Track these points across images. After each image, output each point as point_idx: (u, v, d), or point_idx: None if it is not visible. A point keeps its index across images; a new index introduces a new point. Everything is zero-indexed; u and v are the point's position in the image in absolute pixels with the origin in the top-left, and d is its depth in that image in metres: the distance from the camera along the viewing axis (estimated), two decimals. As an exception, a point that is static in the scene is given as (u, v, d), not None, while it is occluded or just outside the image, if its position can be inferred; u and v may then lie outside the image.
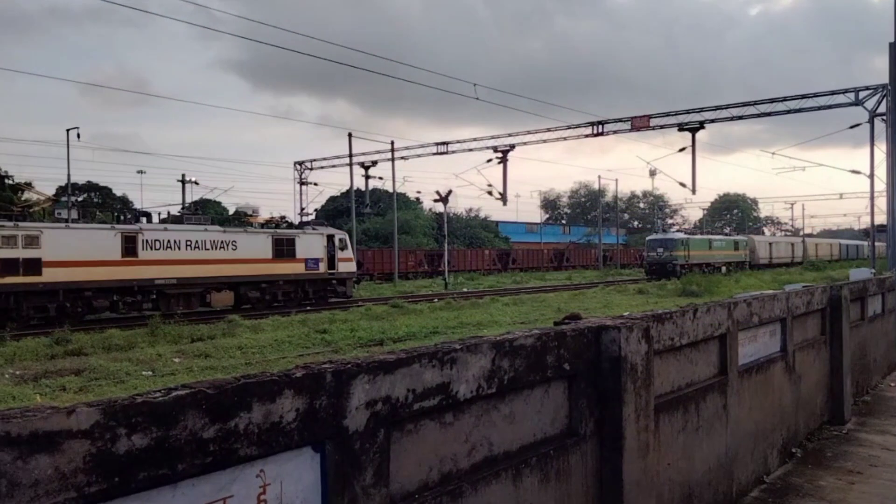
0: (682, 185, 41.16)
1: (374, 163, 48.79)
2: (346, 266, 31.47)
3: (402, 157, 47.62)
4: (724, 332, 5.08)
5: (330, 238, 30.87)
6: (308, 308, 26.97)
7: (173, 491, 1.88)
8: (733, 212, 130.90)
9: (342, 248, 31.20)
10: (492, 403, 2.96)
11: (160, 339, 16.92)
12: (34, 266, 21.43)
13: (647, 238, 57.80)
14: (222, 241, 26.56)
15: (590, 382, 3.47)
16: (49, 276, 21.66)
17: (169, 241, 24.91)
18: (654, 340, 3.90)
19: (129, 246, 23.74)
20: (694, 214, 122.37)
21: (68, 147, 40.75)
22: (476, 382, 2.82)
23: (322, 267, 30.09)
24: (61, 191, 41.66)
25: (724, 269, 56.85)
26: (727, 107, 38.15)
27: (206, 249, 26.00)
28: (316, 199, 57.79)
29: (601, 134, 40.98)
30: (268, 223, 31.33)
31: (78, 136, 40.28)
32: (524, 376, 3.07)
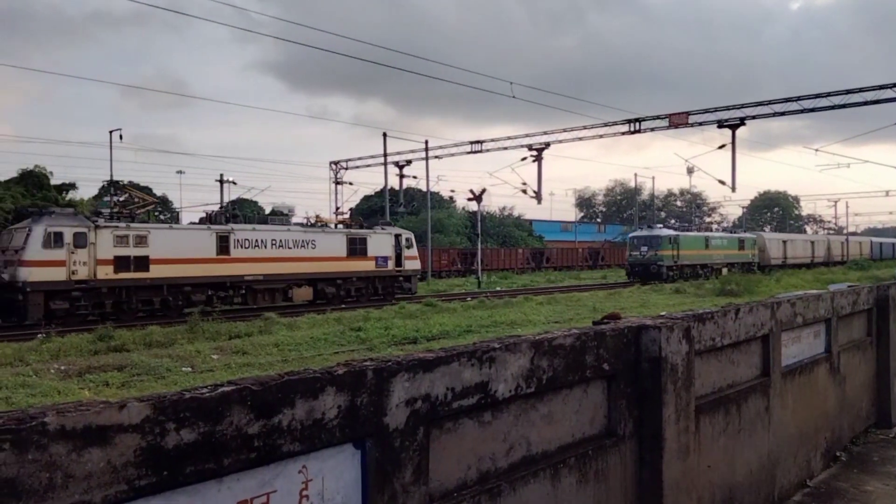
0: (722, 182, 40.53)
1: (409, 162, 48.98)
2: (412, 263, 33.25)
3: (436, 157, 47.73)
4: (766, 332, 4.99)
5: (397, 237, 32.64)
6: (377, 302, 28.83)
7: (219, 485, 1.91)
8: (774, 210, 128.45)
9: (408, 247, 32.95)
10: (530, 403, 2.96)
11: (199, 337, 17.21)
12: (143, 263, 23.44)
13: (630, 235, 50.38)
14: (303, 241, 28.37)
15: (629, 383, 3.44)
16: (155, 272, 23.66)
17: (257, 240, 26.76)
18: (694, 341, 3.85)
19: (223, 245, 25.67)
20: (733, 212, 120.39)
21: (111, 148, 41.75)
22: (515, 382, 2.82)
23: (390, 264, 31.87)
24: (104, 190, 42.61)
25: (724, 270, 49.84)
26: (768, 103, 37.40)
27: (289, 248, 27.77)
28: (350, 199, 58.25)
29: (638, 131, 40.51)
30: (341, 224, 33.17)
31: (120, 137, 41.27)
32: (563, 376, 3.05)
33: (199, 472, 1.84)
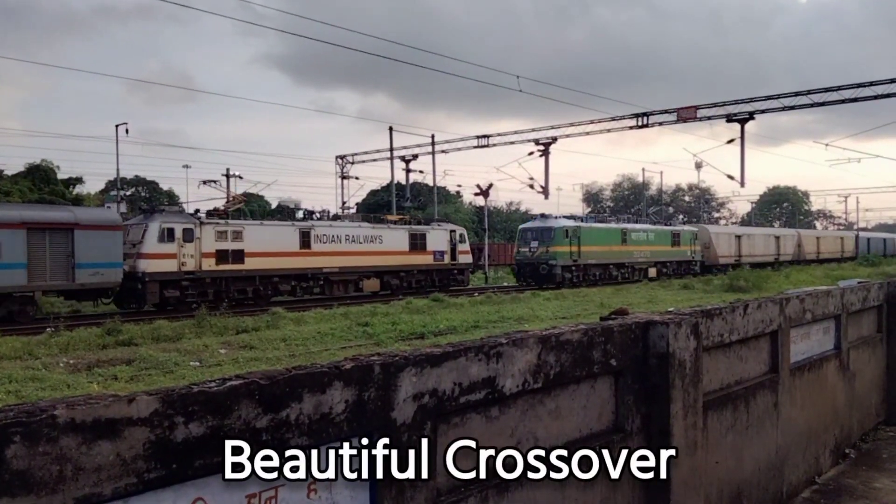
0: (731, 177, 40.39)
1: (415, 156, 48.95)
2: (465, 257, 36.02)
3: (443, 151, 47.66)
4: (775, 328, 4.97)
5: (452, 233, 35.34)
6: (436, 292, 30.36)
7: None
8: (783, 205, 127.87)
9: (461, 242, 35.69)
10: (537, 398, 2.95)
11: (206, 331, 17.26)
12: (239, 256, 26.17)
13: (520, 227, 40.21)
14: (372, 236, 31.02)
15: (637, 378, 3.43)
16: (249, 264, 26.40)
17: (333, 235, 29.52)
18: (702, 336, 3.84)
19: (305, 240, 28.35)
20: (742, 208, 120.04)
21: (117, 142, 41.80)
22: (522, 377, 2.82)
23: (446, 258, 34.59)
24: (110, 185, 42.78)
25: (652, 271, 41.65)
26: (778, 96, 37.19)
27: (360, 243, 30.46)
28: (357, 193, 58.28)
29: (646, 125, 40.36)
30: (401, 221, 35.13)
31: (126, 131, 41.29)
32: (570, 371, 3.05)
33: (208, 466, 1.85)
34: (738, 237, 54.44)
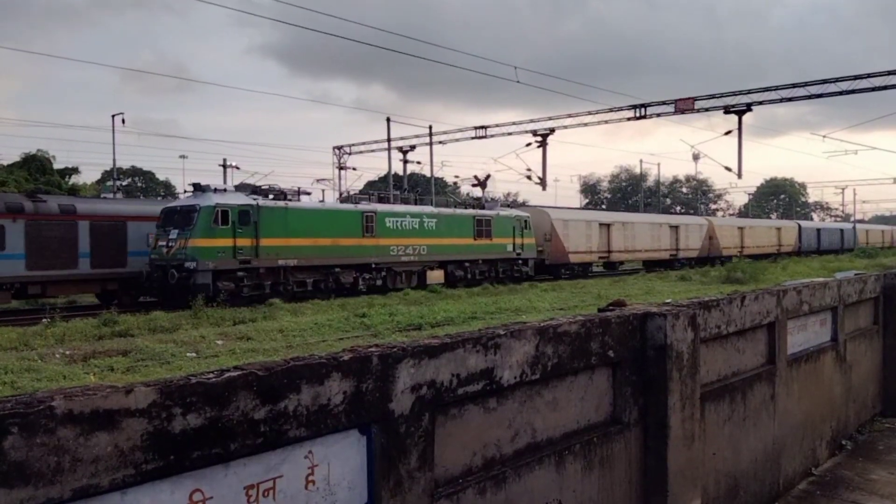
0: (728, 168, 40.32)
1: (412, 147, 48.82)
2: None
3: (440, 142, 47.51)
4: (772, 320, 4.98)
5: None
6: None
7: (225, 470, 1.92)
8: (780, 197, 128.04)
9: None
10: (535, 389, 2.96)
11: (203, 322, 17.26)
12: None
13: (163, 208, 23.93)
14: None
15: (634, 370, 3.44)
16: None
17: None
18: (700, 328, 3.84)
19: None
20: (739, 199, 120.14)
21: (113, 132, 41.64)
22: (520, 368, 2.82)
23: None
24: (107, 175, 42.64)
25: (433, 275, 28.80)
26: (775, 88, 37.12)
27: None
28: (354, 184, 58.21)
29: (644, 117, 40.27)
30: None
31: (123, 121, 41.07)
32: (568, 363, 3.05)
33: (205, 457, 1.84)
34: (607, 227, 39.87)
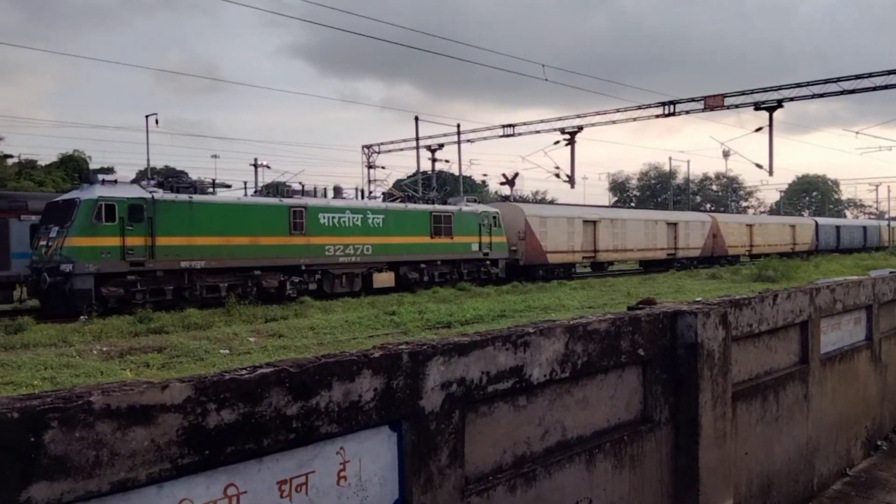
0: (759, 166, 39.74)
1: (441, 146, 48.89)
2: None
3: (469, 140, 47.53)
4: (805, 318, 4.90)
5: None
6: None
7: (259, 465, 1.95)
8: (812, 194, 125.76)
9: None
10: (565, 388, 2.95)
11: (235, 319, 17.49)
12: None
13: (47, 202, 21.27)
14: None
15: (665, 368, 3.41)
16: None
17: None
18: (731, 326, 3.80)
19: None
20: (770, 197, 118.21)
21: (147, 132, 42.38)
22: (549, 366, 2.81)
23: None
24: (141, 175, 43.33)
25: (382, 278, 26.03)
26: (807, 84, 36.48)
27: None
28: (383, 183, 58.40)
29: (673, 114, 39.86)
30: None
31: (157, 121, 41.86)
32: (598, 361, 3.04)
33: (239, 452, 1.87)
34: (594, 223, 35.89)
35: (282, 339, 14.13)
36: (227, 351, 12.66)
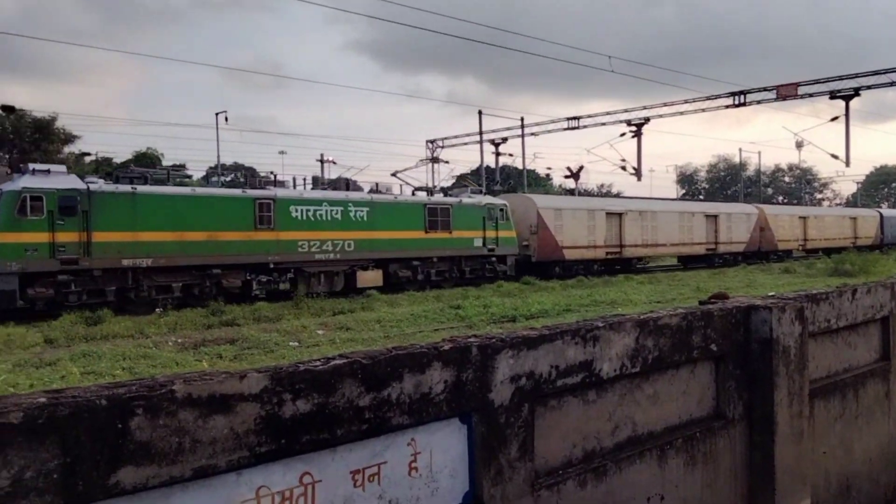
0: (835, 156, 38.19)
1: (504, 139, 48.69)
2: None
3: (532, 133, 47.17)
4: (886, 314, 4.69)
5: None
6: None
7: (332, 454, 1.99)
8: (892, 185, 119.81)
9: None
10: (635, 383, 2.91)
11: (304, 312, 17.87)
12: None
13: None
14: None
15: (738, 364, 3.32)
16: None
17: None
18: (808, 322, 3.67)
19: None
20: (847, 188, 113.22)
21: (217, 129, 43.62)
22: (619, 361, 2.78)
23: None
24: (211, 171, 44.67)
25: (366, 277, 23.34)
26: (885, 72, 34.72)
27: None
28: (447, 177, 58.59)
29: (743, 104, 38.63)
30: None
31: (226, 119, 42.94)
32: (669, 356, 2.98)
33: (313, 442, 1.92)
34: (619, 216, 32.80)
35: (349, 332, 14.35)
36: (297, 343, 12.94)
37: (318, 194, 23.13)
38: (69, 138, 53.52)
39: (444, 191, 27.55)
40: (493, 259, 27.02)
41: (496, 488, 2.32)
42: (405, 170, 30.27)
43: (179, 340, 13.30)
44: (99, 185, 18.39)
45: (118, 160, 49.75)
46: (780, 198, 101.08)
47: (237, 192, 21.37)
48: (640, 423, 2.90)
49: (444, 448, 2.25)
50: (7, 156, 45.57)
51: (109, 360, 10.98)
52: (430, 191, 27.36)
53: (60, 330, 14.50)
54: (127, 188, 18.74)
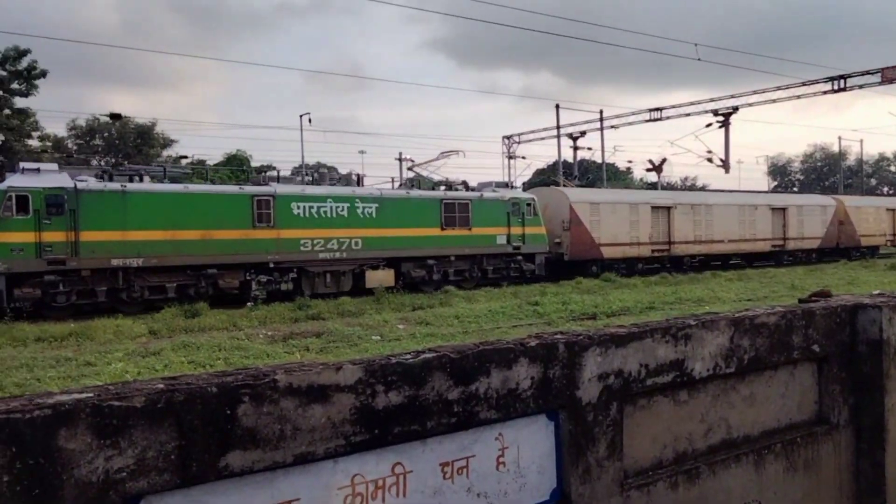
0: (946, 145, 35.60)
1: (583, 133, 47.90)
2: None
3: (612, 126, 46.19)
4: None
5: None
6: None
7: (423, 446, 2.02)
8: None
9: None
10: (730, 384, 2.82)
11: (385, 307, 18.19)
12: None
13: None
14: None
15: (843, 366, 3.16)
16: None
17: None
18: (921, 322, 3.44)
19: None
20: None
21: (301, 131, 44.92)
22: (712, 360, 2.70)
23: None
24: (296, 171, 46.00)
25: (376, 276, 22.36)
26: None
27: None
28: (524, 173, 58.25)
29: (843, 89, 36.60)
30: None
31: (309, 120, 44.17)
32: (766, 356, 2.87)
33: (405, 433, 1.95)
34: (668, 209, 29.82)
35: (428, 327, 14.50)
36: (379, 337, 13.18)
37: (322, 190, 22.14)
38: (167, 142, 56.51)
39: (466, 185, 26.09)
40: (520, 257, 25.35)
41: (584, 486, 2.30)
42: (426, 162, 28.44)
43: (269, 333, 13.79)
44: (87, 183, 18.10)
45: (211, 162, 51.91)
46: (885, 189, 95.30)
47: (233, 188, 21.02)
48: (734, 426, 2.81)
49: (531, 444, 2.24)
50: (113, 160, 48.30)
51: (207, 351, 11.51)
52: (449, 185, 26.02)
53: (163, 322, 15.33)
54: (116, 186, 18.42)
